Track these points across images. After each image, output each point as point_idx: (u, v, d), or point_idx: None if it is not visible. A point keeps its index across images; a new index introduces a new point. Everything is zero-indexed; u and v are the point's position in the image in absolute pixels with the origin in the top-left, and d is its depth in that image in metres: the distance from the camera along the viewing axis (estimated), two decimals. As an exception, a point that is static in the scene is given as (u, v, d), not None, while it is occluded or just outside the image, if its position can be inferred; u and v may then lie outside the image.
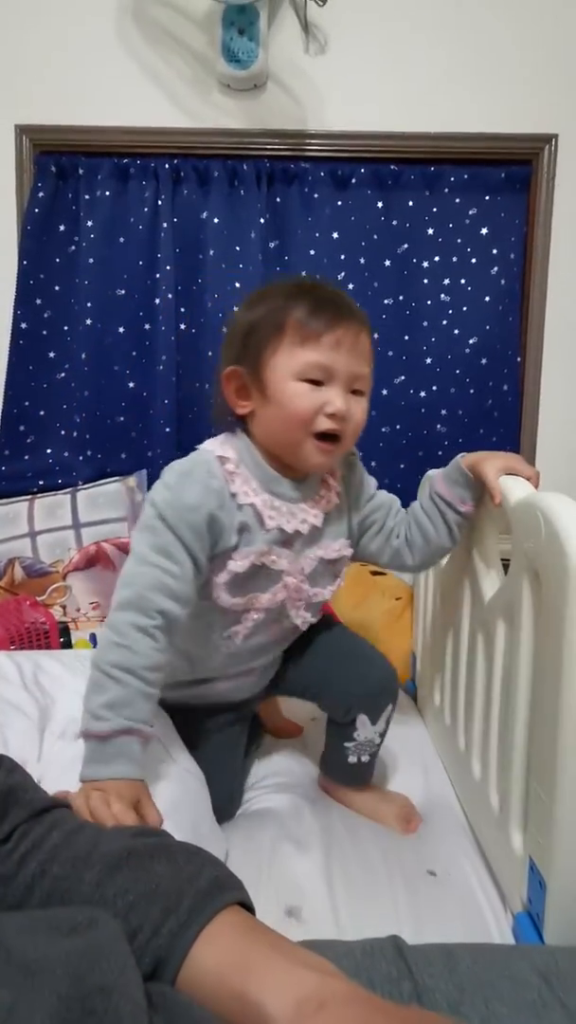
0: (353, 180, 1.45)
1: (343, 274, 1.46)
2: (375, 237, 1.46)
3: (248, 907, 0.47)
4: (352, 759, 0.89)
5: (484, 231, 1.47)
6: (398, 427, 1.50)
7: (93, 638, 1.21)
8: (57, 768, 0.73)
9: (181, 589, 0.72)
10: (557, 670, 0.58)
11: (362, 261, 1.45)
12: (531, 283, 1.48)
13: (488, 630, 0.80)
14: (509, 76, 1.42)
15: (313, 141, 1.43)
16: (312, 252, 1.46)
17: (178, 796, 0.72)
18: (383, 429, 1.49)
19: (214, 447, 0.76)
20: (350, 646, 0.94)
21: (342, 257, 1.46)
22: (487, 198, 1.46)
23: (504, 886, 0.71)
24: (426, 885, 0.72)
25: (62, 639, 1.22)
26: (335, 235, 1.46)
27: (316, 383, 0.72)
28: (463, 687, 0.91)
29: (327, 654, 0.92)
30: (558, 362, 1.50)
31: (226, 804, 0.86)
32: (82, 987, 0.35)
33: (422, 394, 1.50)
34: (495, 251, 1.47)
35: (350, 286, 1.45)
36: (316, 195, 1.45)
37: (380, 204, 1.46)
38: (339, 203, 1.46)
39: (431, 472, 0.89)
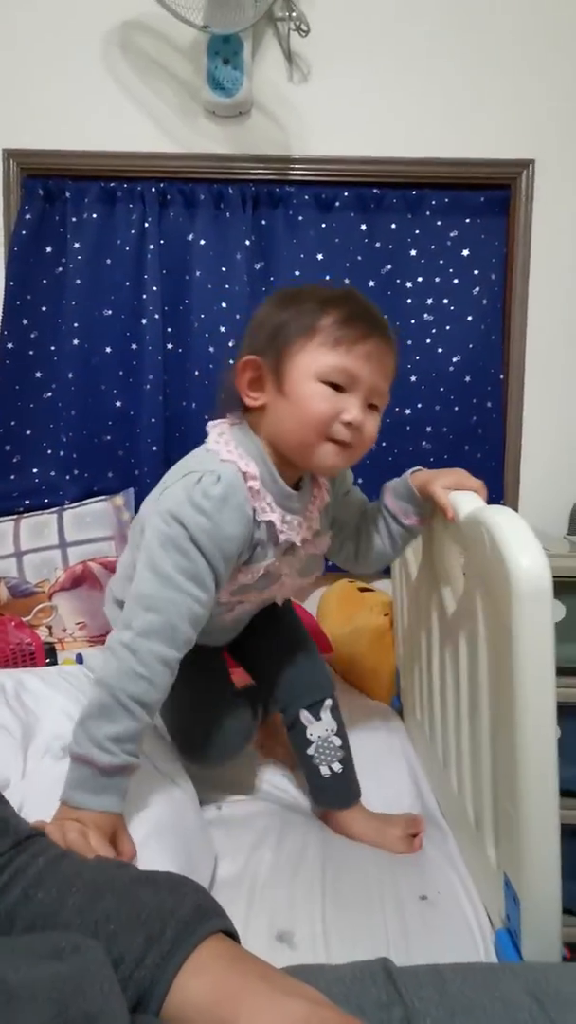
0: (337, 203, 1.47)
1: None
2: (359, 258, 1.49)
3: (232, 935, 0.47)
4: (324, 770, 0.90)
5: (465, 252, 1.50)
6: (384, 444, 1.51)
7: (79, 658, 1.20)
8: (42, 787, 0.72)
9: (204, 617, 0.71)
10: (510, 681, 0.59)
11: (347, 281, 1.48)
12: (512, 302, 1.51)
13: (453, 643, 0.81)
14: (487, 104, 1.46)
15: (297, 166, 1.46)
16: (297, 273, 1.48)
17: (167, 814, 0.71)
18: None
19: (233, 455, 0.73)
20: (289, 641, 0.97)
21: (327, 278, 1.48)
22: (468, 220, 1.49)
23: (488, 903, 0.71)
24: (418, 906, 0.71)
25: (48, 660, 1.21)
26: (320, 256, 1.48)
27: (337, 388, 0.70)
28: (437, 701, 0.92)
29: (270, 649, 0.96)
30: (540, 379, 1.53)
31: (241, 734, 0.90)
32: (66, 1013, 0.34)
33: (407, 411, 1.52)
34: (476, 272, 1.50)
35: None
36: (301, 217, 1.48)
37: (363, 226, 1.48)
38: (323, 225, 1.49)
39: (387, 483, 0.90)
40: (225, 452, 0.74)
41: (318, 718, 0.92)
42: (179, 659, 0.69)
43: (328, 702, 0.93)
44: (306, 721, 0.91)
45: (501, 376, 1.53)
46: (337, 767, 0.90)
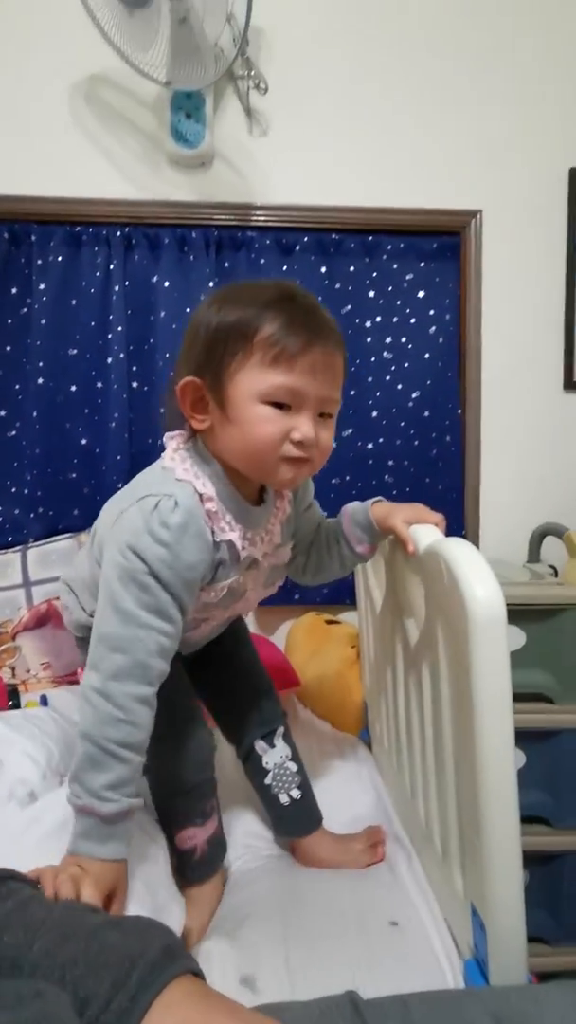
0: (297, 247, 1.53)
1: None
2: (320, 299, 1.51)
3: (200, 975, 0.47)
4: (283, 798, 0.90)
5: (421, 294, 1.57)
6: (347, 478, 1.55)
7: (44, 700, 1.18)
8: (7, 833, 0.70)
9: (173, 648, 0.69)
10: (469, 709, 0.60)
11: (308, 322, 1.52)
12: (466, 341, 1.58)
13: (417, 673, 0.82)
14: (438, 158, 1.55)
15: (259, 213, 1.52)
16: (260, 314, 1.52)
17: (132, 863, 0.70)
18: (333, 480, 1.54)
19: (189, 475, 0.70)
20: (241, 674, 0.97)
21: (289, 318, 1.53)
22: (422, 264, 1.56)
23: (455, 933, 0.71)
24: (386, 936, 0.71)
25: (11, 702, 1.19)
26: (281, 298, 1.53)
27: (282, 406, 0.66)
28: (403, 731, 0.93)
29: (221, 684, 0.96)
30: (496, 413, 1.59)
31: (205, 749, 0.85)
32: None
33: (369, 446, 1.56)
34: (432, 312, 1.57)
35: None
36: (263, 260, 1.53)
37: (323, 269, 1.54)
38: (284, 268, 1.54)
39: (346, 506, 0.91)
40: (181, 471, 0.71)
41: (272, 745, 0.92)
42: (155, 693, 0.68)
43: (280, 729, 0.94)
44: (260, 750, 0.91)
45: (459, 411, 1.59)
46: (296, 793, 0.90)
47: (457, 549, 0.65)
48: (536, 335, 1.60)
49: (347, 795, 1.01)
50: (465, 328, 1.58)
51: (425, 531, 0.77)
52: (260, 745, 0.91)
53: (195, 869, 0.82)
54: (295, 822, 0.91)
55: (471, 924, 0.65)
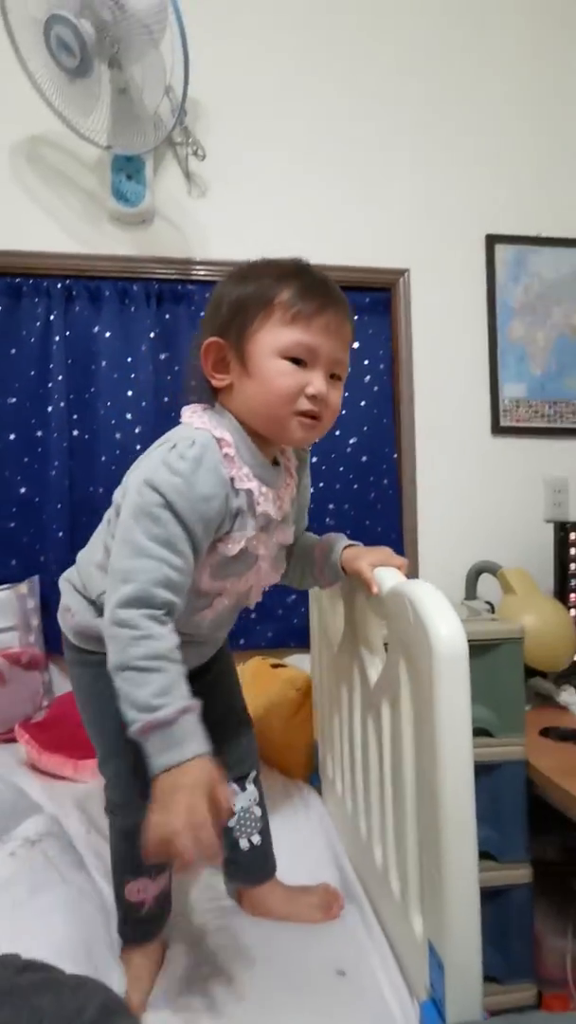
0: (236, 301, 1.59)
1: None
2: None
3: None
4: (244, 843, 0.88)
5: (356, 345, 1.64)
6: (290, 522, 1.58)
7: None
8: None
9: (182, 582, 0.70)
10: (433, 745, 0.63)
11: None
12: (399, 389, 1.66)
13: (376, 711, 0.84)
14: (370, 219, 1.65)
15: (199, 267, 1.57)
16: (201, 364, 1.56)
17: (72, 926, 0.67)
18: (276, 524, 1.56)
19: (207, 425, 0.73)
20: (223, 711, 0.94)
21: (229, 368, 1.57)
22: (356, 318, 1.64)
23: (410, 976, 0.71)
24: (334, 987, 0.70)
25: None
26: (222, 348, 1.58)
27: (299, 363, 0.71)
28: (360, 771, 0.94)
29: (207, 710, 0.91)
30: (430, 456, 1.66)
31: None
32: None
33: (310, 490, 1.59)
34: (367, 362, 1.65)
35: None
36: (203, 313, 1.57)
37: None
38: (224, 320, 1.59)
39: (326, 536, 0.94)
40: (199, 423, 0.74)
41: (243, 789, 0.90)
42: (167, 614, 0.68)
43: (253, 773, 0.93)
44: (231, 793, 0.89)
45: (395, 455, 1.65)
46: (256, 839, 0.89)
47: (421, 590, 0.69)
48: (465, 383, 1.70)
49: (298, 842, 1.00)
50: (398, 377, 1.66)
51: (389, 573, 0.81)
52: (232, 787, 0.89)
53: (138, 927, 0.79)
54: (250, 870, 0.89)
55: (428, 964, 0.65)
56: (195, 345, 0.76)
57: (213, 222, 1.59)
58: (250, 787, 0.91)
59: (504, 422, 1.69)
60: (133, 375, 1.53)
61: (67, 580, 0.86)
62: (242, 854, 0.88)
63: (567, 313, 1.73)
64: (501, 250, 1.70)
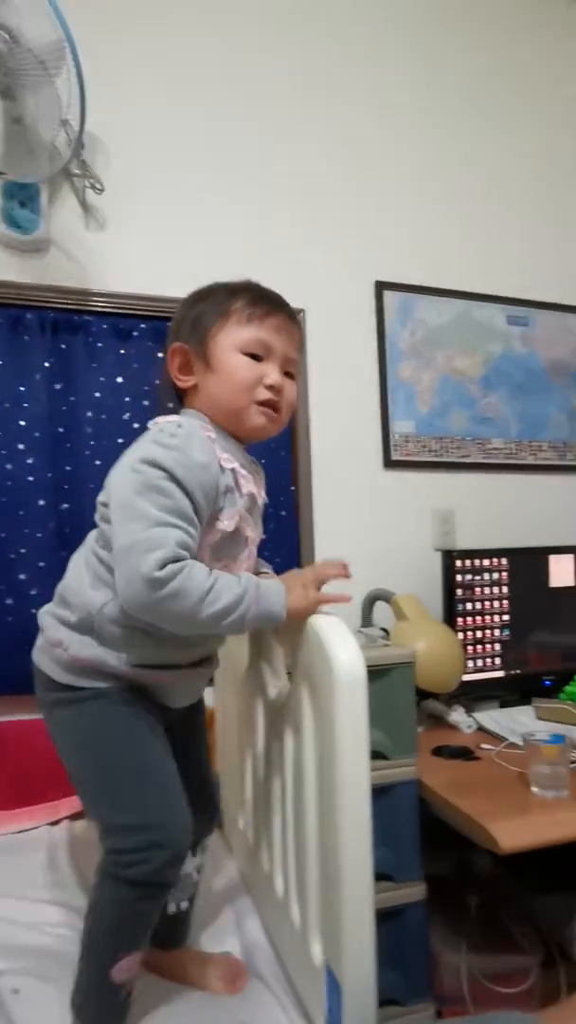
0: (135, 333, 1.59)
1: (128, 414, 1.56)
2: (158, 382, 1.59)
3: None
4: (172, 908, 0.85)
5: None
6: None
7: None
8: None
9: (195, 548, 0.72)
10: (333, 767, 0.65)
11: (146, 403, 1.57)
12: (296, 422, 1.71)
13: (280, 739, 0.86)
14: (265, 260, 1.71)
15: (96, 299, 1.56)
16: (98, 394, 1.54)
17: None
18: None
19: (183, 419, 0.79)
20: (197, 771, 0.91)
21: (127, 399, 1.56)
22: (254, 354, 1.69)
23: (308, 1006, 0.72)
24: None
25: None
26: (119, 379, 1.57)
27: (256, 358, 0.81)
28: (262, 801, 0.94)
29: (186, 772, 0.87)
30: (326, 488, 1.72)
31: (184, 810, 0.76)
32: None
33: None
34: (265, 397, 1.69)
35: (135, 425, 1.54)
36: (100, 344, 1.56)
37: (161, 355, 1.60)
38: (122, 351, 1.58)
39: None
40: (173, 417, 0.81)
41: (193, 855, 0.87)
42: (189, 558, 0.70)
43: (206, 839, 0.91)
44: None
45: (292, 488, 1.70)
46: (184, 904, 0.87)
47: (323, 619, 0.73)
48: (357, 419, 1.78)
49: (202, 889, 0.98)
50: (295, 411, 1.71)
51: None
52: None
53: (115, 1015, 0.72)
54: (168, 934, 0.86)
55: (325, 989, 0.66)
56: (164, 364, 0.86)
57: (111, 255, 1.59)
58: (200, 854, 0.89)
59: (395, 456, 1.79)
60: (26, 404, 1.48)
61: (50, 615, 0.82)
62: (166, 918, 0.84)
63: (449, 356, 1.87)
64: (389, 296, 1.82)
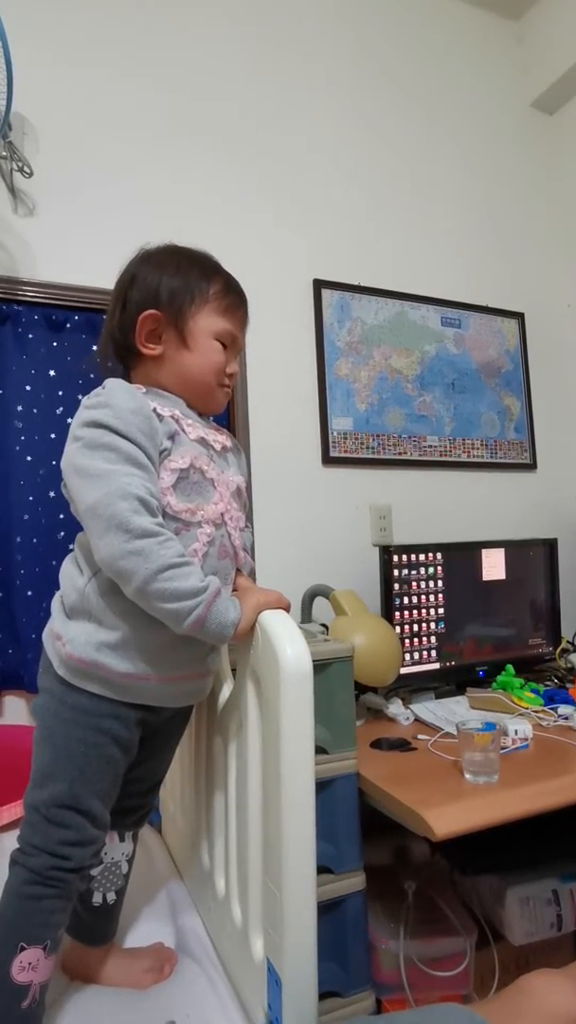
0: (68, 325, 1.54)
1: (61, 409, 1.51)
2: (92, 376, 1.54)
3: None
4: (97, 898, 0.83)
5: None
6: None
7: None
8: None
9: (157, 496, 0.73)
10: (278, 762, 0.65)
11: (79, 397, 1.51)
12: (235, 419, 1.70)
13: (224, 736, 0.85)
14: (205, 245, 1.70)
15: (26, 288, 1.50)
16: (28, 388, 1.48)
17: None
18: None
19: (105, 382, 0.80)
20: (157, 770, 0.92)
21: (60, 393, 1.51)
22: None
23: (248, 1004, 0.72)
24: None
25: None
26: (52, 372, 1.51)
27: (223, 346, 0.86)
28: (204, 801, 0.93)
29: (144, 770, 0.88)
30: (266, 485, 1.72)
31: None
32: None
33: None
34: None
35: (68, 420, 1.48)
36: (31, 335, 1.50)
37: (95, 347, 1.56)
38: (54, 343, 1.53)
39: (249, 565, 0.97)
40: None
41: (123, 840, 0.86)
42: (156, 520, 0.72)
43: (138, 830, 0.89)
44: (108, 838, 0.83)
45: (232, 484, 1.68)
46: (112, 897, 0.84)
47: (271, 617, 0.73)
48: (296, 416, 1.79)
49: (134, 888, 0.96)
50: (234, 408, 1.70)
51: (276, 617, 0.82)
52: (112, 835, 0.84)
53: None
54: (93, 929, 0.83)
55: (265, 984, 0.66)
56: (108, 332, 0.89)
57: (42, 243, 1.53)
58: (129, 842, 0.87)
59: (333, 453, 1.81)
60: (-50, 396, 1.41)
61: (56, 600, 0.83)
62: (91, 910, 0.82)
63: (386, 355, 1.91)
64: (327, 294, 1.83)
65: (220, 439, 0.89)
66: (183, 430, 0.82)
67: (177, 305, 0.85)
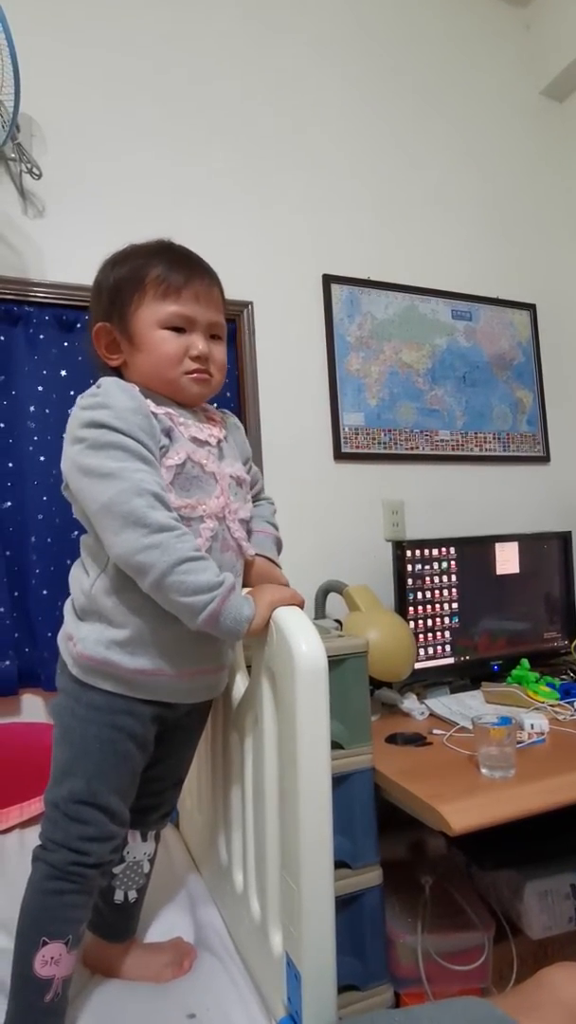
0: (79, 324, 1.54)
1: (73, 408, 1.51)
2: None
3: None
4: (119, 895, 0.84)
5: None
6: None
7: None
8: None
9: (163, 484, 0.74)
10: (294, 757, 0.65)
11: (92, 397, 1.53)
12: (247, 416, 1.70)
13: (240, 733, 0.85)
14: (212, 252, 1.69)
15: (37, 289, 1.51)
16: (40, 388, 1.49)
17: None
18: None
19: (100, 380, 0.78)
20: (178, 766, 0.92)
21: (71, 393, 1.52)
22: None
23: (267, 999, 0.72)
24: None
25: None
26: (63, 372, 1.52)
27: (179, 330, 0.80)
28: (221, 796, 0.93)
29: (160, 764, 0.87)
30: (278, 481, 1.71)
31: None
32: None
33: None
34: (215, 389, 1.68)
35: (82, 420, 1.50)
36: (42, 336, 1.51)
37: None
38: (65, 344, 1.54)
39: (269, 540, 0.98)
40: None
41: (145, 839, 0.87)
42: (175, 518, 0.72)
43: (160, 830, 0.90)
44: (131, 837, 0.84)
45: (244, 481, 1.69)
46: (133, 895, 0.85)
47: (287, 614, 0.74)
48: (308, 412, 1.78)
49: (155, 881, 0.97)
50: (245, 404, 1.71)
51: (290, 614, 0.82)
52: (134, 834, 0.85)
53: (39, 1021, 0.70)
54: (115, 925, 0.84)
55: (284, 978, 0.66)
56: (87, 342, 0.86)
57: (51, 244, 1.54)
58: (151, 842, 0.88)
59: (345, 448, 1.80)
60: (-37, 398, 1.42)
61: (69, 602, 0.83)
62: (113, 907, 0.84)
63: (396, 349, 1.90)
64: (337, 289, 1.83)
65: (214, 432, 0.86)
66: (177, 426, 0.81)
67: (118, 308, 0.81)
